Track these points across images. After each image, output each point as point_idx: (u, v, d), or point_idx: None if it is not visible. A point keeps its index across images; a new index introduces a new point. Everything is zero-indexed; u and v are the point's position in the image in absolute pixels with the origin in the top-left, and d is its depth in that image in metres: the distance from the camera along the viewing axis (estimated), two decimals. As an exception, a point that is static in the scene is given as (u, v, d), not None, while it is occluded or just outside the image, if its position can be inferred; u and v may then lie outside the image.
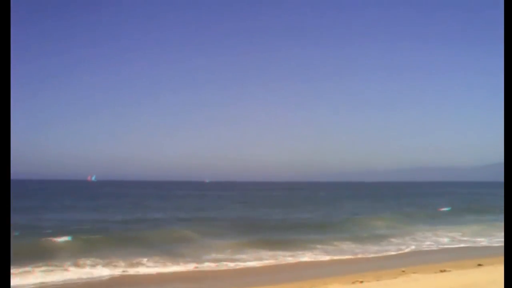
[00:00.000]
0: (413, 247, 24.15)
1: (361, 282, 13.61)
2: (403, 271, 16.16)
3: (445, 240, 26.87)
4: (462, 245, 25.11)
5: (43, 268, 16.95)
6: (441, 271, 15.50)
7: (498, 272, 12.97)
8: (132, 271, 17.24)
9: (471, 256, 20.22)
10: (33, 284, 14.73)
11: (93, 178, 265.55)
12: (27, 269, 16.57)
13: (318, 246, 23.80)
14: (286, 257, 20.58)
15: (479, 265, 16.71)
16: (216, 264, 18.86)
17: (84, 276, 16.17)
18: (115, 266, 17.80)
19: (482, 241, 26.12)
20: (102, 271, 16.91)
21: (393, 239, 26.69)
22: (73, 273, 16.58)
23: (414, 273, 15.29)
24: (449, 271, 15.35)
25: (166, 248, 22.21)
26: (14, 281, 13.57)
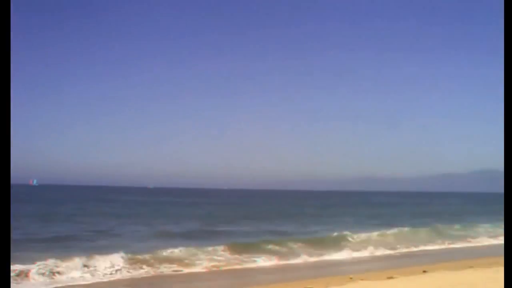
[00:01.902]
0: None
1: (310, 289, 13.48)
2: (351, 278, 16.15)
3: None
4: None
5: None
6: (388, 277, 15.57)
7: (444, 279, 13.14)
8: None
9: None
10: None
11: (34, 182, 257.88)
12: None
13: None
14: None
15: (424, 271, 16.91)
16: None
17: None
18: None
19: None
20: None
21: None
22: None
23: (361, 280, 15.29)
24: (396, 277, 15.43)
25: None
26: None
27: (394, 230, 31.91)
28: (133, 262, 18.34)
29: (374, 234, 30.42)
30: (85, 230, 32.65)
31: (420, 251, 25.87)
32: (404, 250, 25.63)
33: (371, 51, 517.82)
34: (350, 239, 28.46)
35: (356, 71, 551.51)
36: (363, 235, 29.69)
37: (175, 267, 18.75)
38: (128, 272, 17.63)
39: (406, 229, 33.12)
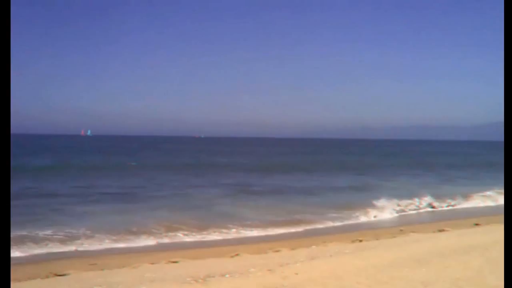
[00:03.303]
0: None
1: (361, 241, 13.64)
2: (401, 230, 16.23)
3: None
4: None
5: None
6: (440, 230, 15.55)
7: (497, 231, 13.02)
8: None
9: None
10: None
11: (88, 133, 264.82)
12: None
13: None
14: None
15: (476, 224, 16.80)
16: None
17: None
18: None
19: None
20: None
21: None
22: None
23: (412, 232, 15.34)
24: (448, 230, 15.40)
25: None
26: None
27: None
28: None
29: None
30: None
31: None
32: (453, 202, 25.29)
33: None
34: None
35: None
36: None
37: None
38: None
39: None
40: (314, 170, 47.02)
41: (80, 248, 14.02)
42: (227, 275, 8.39)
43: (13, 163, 43.44)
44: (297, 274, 8.42)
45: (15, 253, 13.06)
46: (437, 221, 18.95)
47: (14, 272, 10.77)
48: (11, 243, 13.48)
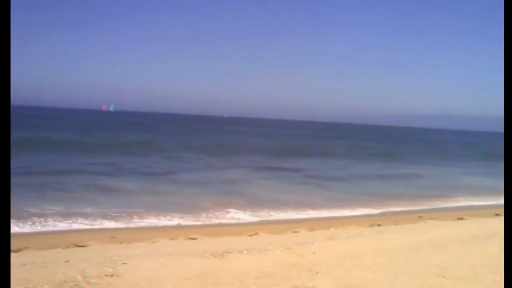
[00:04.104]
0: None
1: (379, 225, 13.63)
2: (420, 217, 16.17)
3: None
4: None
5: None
6: (459, 218, 15.47)
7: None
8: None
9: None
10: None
11: (110, 108, 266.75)
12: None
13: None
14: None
15: (497, 214, 16.64)
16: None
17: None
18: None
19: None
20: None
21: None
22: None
23: (431, 219, 15.27)
24: (467, 219, 15.32)
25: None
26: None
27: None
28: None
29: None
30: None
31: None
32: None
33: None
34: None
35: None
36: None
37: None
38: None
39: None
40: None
41: (101, 226, 14.23)
42: (245, 252, 8.46)
43: (36, 134, 44.21)
44: (314, 253, 8.46)
45: (37, 227, 13.35)
46: (457, 211, 18.84)
47: (34, 242, 11.03)
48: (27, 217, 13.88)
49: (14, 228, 12.82)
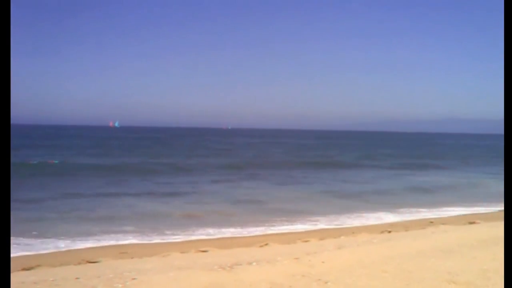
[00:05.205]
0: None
1: (390, 232, 13.61)
2: (431, 222, 16.12)
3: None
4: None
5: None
6: (470, 222, 15.40)
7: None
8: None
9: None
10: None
11: (116, 124, 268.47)
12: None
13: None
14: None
15: (508, 218, 16.52)
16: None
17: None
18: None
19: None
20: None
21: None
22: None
23: (442, 224, 15.22)
24: (478, 223, 15.24)
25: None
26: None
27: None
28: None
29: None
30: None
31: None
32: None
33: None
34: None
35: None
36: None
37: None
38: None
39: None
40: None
41: (117, 242, 14.28)
42: (254, 263, 8.49)
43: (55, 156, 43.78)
44: (323, 262, 8.47)
45: (49, 245, 13.47)
46: (468, 214, 18.74)
47: (47, 260, 11.13)
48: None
49: (27, 246, 12.96)
